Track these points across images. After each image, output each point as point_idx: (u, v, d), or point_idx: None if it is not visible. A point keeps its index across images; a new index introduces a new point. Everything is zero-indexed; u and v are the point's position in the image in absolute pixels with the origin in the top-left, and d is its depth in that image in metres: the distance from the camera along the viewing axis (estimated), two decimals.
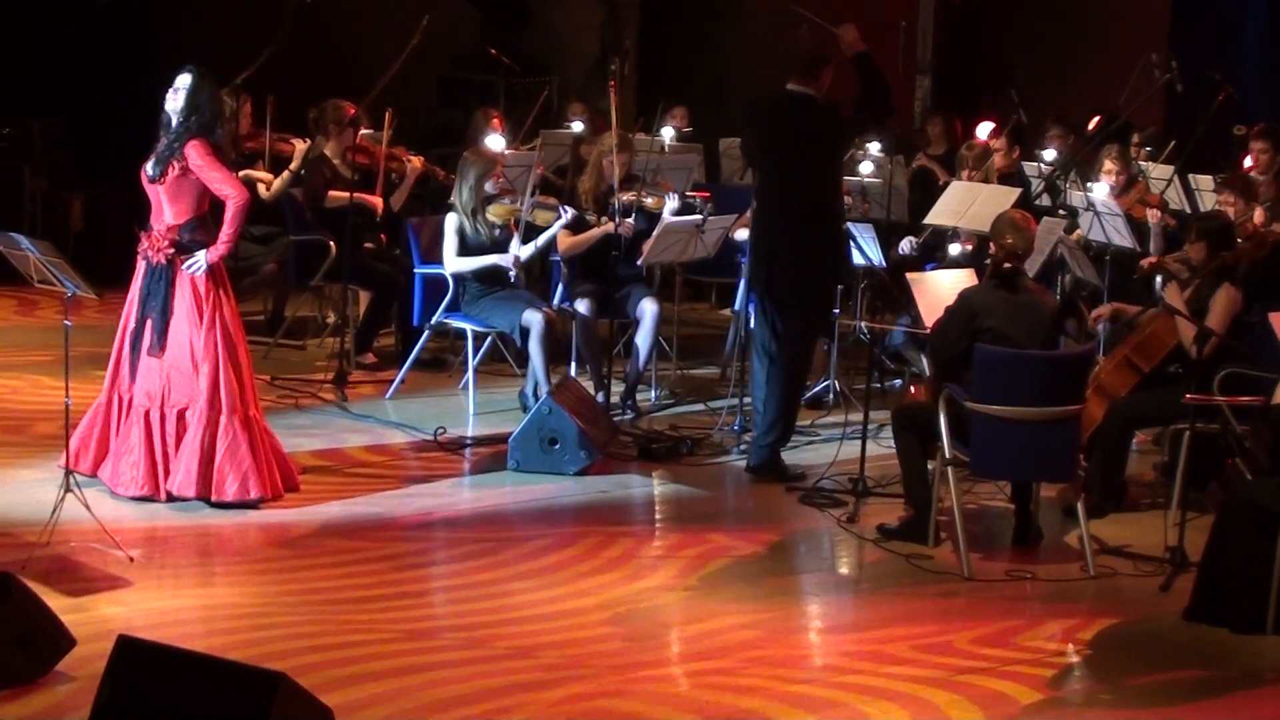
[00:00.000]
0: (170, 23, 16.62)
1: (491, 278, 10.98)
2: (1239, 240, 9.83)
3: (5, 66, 15.91)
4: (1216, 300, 9.28)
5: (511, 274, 10.91)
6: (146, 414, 8.89)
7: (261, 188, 12.37)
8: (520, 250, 10.91)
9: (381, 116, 12.61)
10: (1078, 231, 11.67)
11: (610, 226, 10.98)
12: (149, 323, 8.91)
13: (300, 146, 12.34)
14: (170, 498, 8.89)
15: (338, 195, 11.99)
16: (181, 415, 8.89)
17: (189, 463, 8.85)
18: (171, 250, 8.86)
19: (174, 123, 8.87)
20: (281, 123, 12.88)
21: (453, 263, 10.95)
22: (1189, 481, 8.98)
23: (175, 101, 8.87)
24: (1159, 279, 10.74)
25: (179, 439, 8.90)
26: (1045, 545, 9.06)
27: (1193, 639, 7.79)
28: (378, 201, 12.22)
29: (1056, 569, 8.72)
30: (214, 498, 8.88)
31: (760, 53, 16.57)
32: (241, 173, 12.09)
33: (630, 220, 11.05)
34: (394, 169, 12.54)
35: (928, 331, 9.20)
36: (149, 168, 8.90)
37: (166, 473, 8.90)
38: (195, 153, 8.77)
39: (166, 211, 8.89)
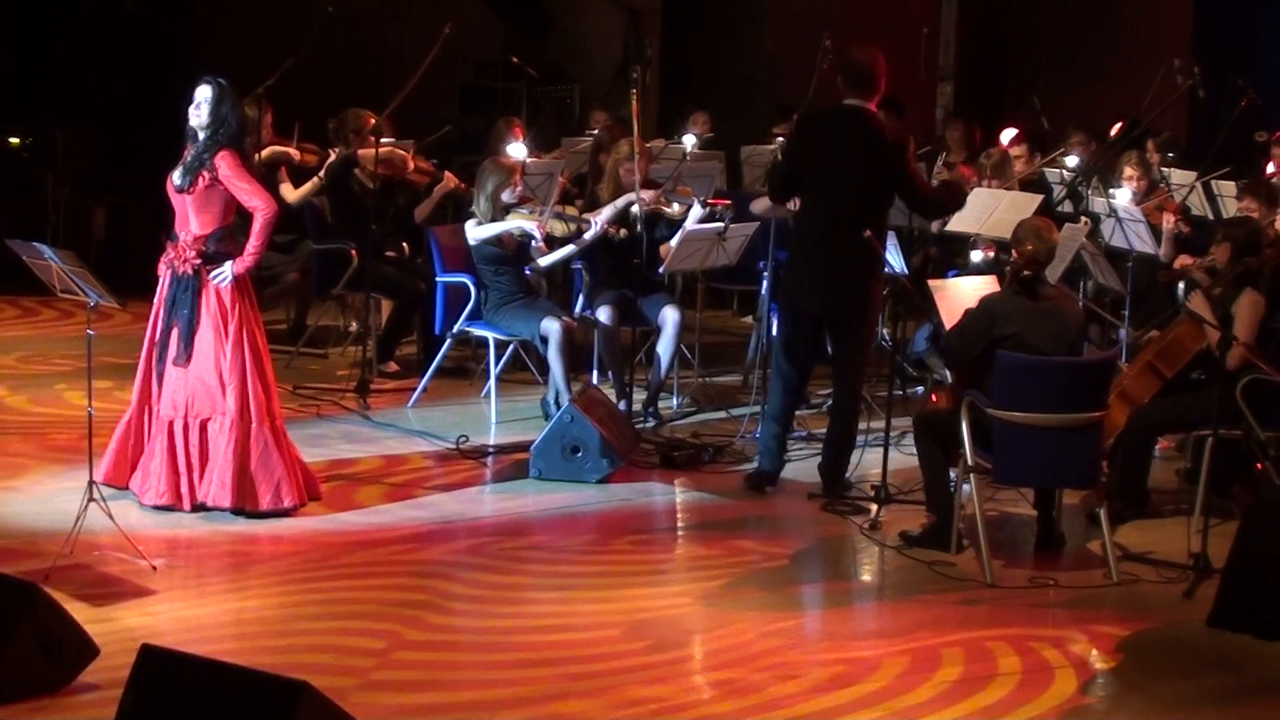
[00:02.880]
0: (196, 32, 16.67)
1: (513, 285, 10.99)
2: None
3: (30, 76, 15.99)
4: (1241, 306, 9.26)
5: (536, 241, 10.88)
6: (171, 424, 8.91)
7: (286, 189, 12.41)
8: (541, 259, 10.93)
9: (405, 125, 12.64)
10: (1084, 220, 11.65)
11: (629, 197, 11.01)
12: (174, 332, 8.92)
13: (332, 158, 12.39)
14: (195, 507, 8.91)
15: (368, 153, 11.91)
16: (205, 426, 8.91)
17: (222, 474, 8.85)
18: (198, 260, 8.87)
19: (201, 136, 8.89)
20: (305, 132, 12.92)
21: (474, 231, 10.94)
22: (1212, 487, 8.96)
23: (199, 117, 8.87)
24: (1181, 285, 10.73)
25: (203, 450, 8.91)
26: (1068, 552, 9.05)
27: (1216, 645, 7.77)
28: (407, 156, 12.26)
29: (1079, 576, 8.70)
30: (249, 508, 8.91)
31: (781, 59, 16.59)
32: (268, 150, 12.18)
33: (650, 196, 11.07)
34: (417, 180, 12.57)
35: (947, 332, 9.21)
36: (176, 178, 8.91)
37: (190, 483, 8.91)
38: (225, 164, 8.79)
39: (193, 221, 8.90)
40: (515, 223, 10.89)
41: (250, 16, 16.48)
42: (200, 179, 8.82)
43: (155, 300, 9.03)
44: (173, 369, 8.92)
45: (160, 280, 9.01)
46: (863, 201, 9.59)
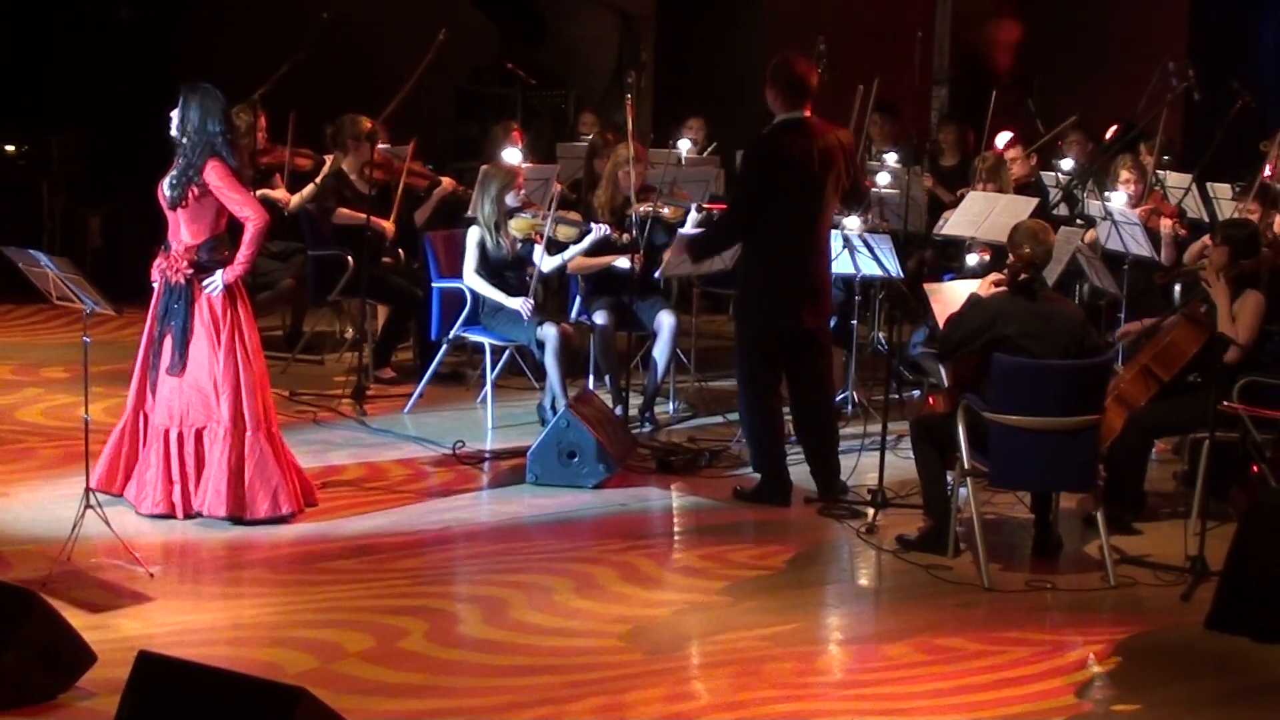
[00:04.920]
0: (191, 38, 16.67)
1: (511, 291, 10.96)
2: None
3: (25, 82, 15.98)
4: (1245, 305, 9.28)
5: (525, 318, 10.82)
6: (166, 433, 8.90)
7: (281, 194, 12.44)
8: (544, 263, 10.91)
9: (401, 130, 12.64)
10: (1091, 232, 11.66)
11: (623, 259, 11.00)
12: (168, 342, 8.91)
13: (328, 161, 12.40)
14: (189, 516, 8.90)
15: (349, 214, 12.01)
16: (199, 435, 8.90)
17: (217, 483, 8.85)
18: (190, 270, 8.86)
19: (184, 145, 8.88)
20: (301, 138, 12.92)
21: (470, 278, 10.95)
22: (1209, 490, 8.96)
23: (174, 129, 8.90)
24: (1178, 287, 10.73)
25: (198, 459, 8.91)
26: (1065, 555, 9.04)
27: (1214, 648, 7.78)
28: (389, 227, 12.20)
29: (1077, 579, 8.71)
30: (247, 516, 8.90)
31: None
32: (259, 192, 12.19)
33: (639, 253, 10.99)
34: (415, 184, 12.56)
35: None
36: (166, 190, 8.90)
37: (185, 492, 8.91)
38: (215, 175, 8.77)
39: (184, 232, 8.89)
40: (505, 300, 10.83)
41: (245, 23, 16.48)
42: (190, 192, 8.81)
43: (150, 308, 9.03)
44: (167, 378, 8.91)
45: (155, 288, 9.01)
46: (828, 208, 9.76)
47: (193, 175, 8.80)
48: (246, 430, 8.89)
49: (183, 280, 8.87)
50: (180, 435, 8.91)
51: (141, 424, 9.05)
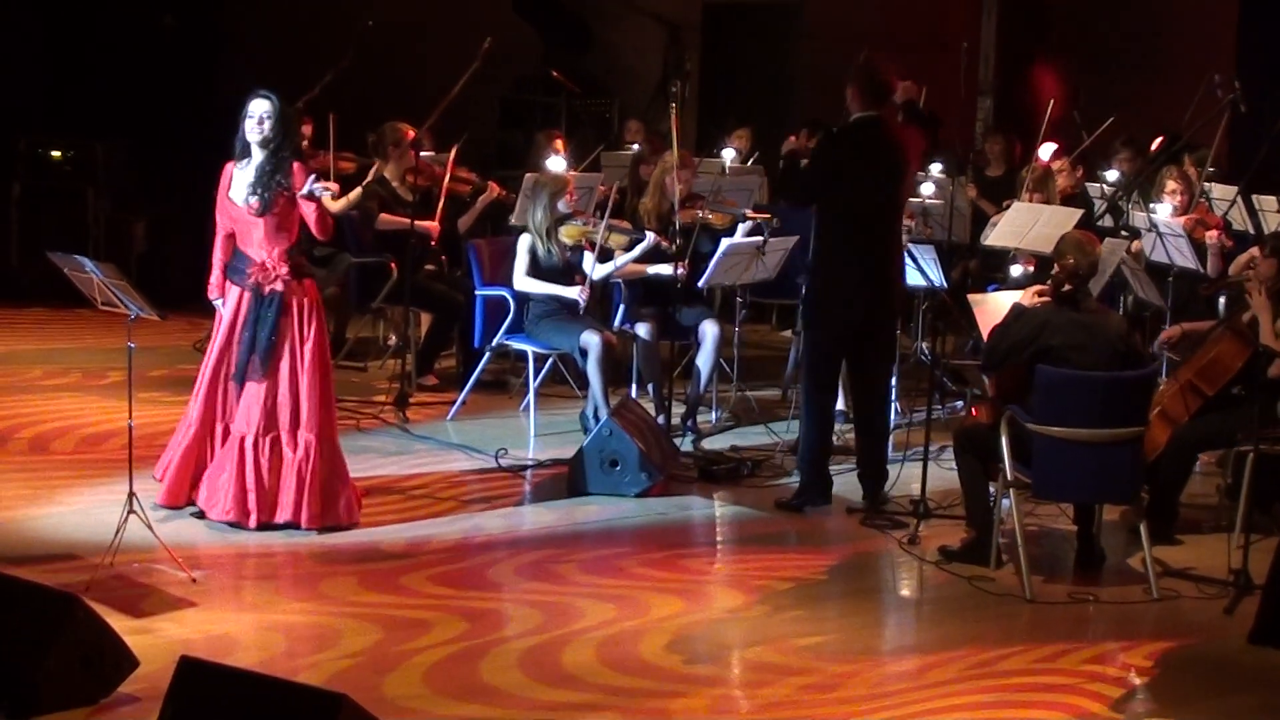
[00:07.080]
0: (234, 46, 16.73)
1: (554, 298, 10.97)
2: None
3: (70, 89, 16.06)
4: None
5: (582, 306, 10.84)
6: (242, 440, 8.87)
7: (327, 198, 12.47)
8: (594, 271, 10.91)
9: (445, 138, 12.65)
10: (1137, 243, 11.63)
11: (664, 266, 11.02)
12: (255, 350, 8.87)
13: (376, 165, 12.45)
14: (261, 526, 8.86)
15: (392, 220, 12.04)
16: (277, 442, 8.88)
17: (310, 494, 8.85)
18: (289, 275, 8.85)
19: (264, 152, 8.81)
20: (345, 145, 12.94)
21: (521, 281, 10.96)
22: (1253, 503, 8.92)
23: (262, 131, 8.77)
24: (1222, 299, 10.68)
25: (274, 467, 8.88)
26: (1108, 568, 9.00)
27: (1257, 662, 7.74)
28: (434, 228, 12.23)
29: (1119, 591, 8.67)
30: (323, 524, 8.90)
31: (820, 74, 16.57)
32: None
33: (682, 270, 11.00)
34: (458, 189, 12.57)
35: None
36: (249, 198, 8.80)
37: (259, 500, 8.86)
38: (300, 178, 8.76)
39: (274, 239, 8.81)
40: (559, 290, 10.86)
41: (288, 30, 16.52)
42: (280, 198, 8.78)
43: (224, 319, 8.97)
44: (250, 385, 8.86)
45: (226, 300, 8.95)
46: (898, 207, 9.84)
47: (282, 180, 8.77)
48: (326, 440, 8.90)
49: (280, 287, 8.85)
50: (256, 443, 8.87)
51: (218, 432, 9.01)
